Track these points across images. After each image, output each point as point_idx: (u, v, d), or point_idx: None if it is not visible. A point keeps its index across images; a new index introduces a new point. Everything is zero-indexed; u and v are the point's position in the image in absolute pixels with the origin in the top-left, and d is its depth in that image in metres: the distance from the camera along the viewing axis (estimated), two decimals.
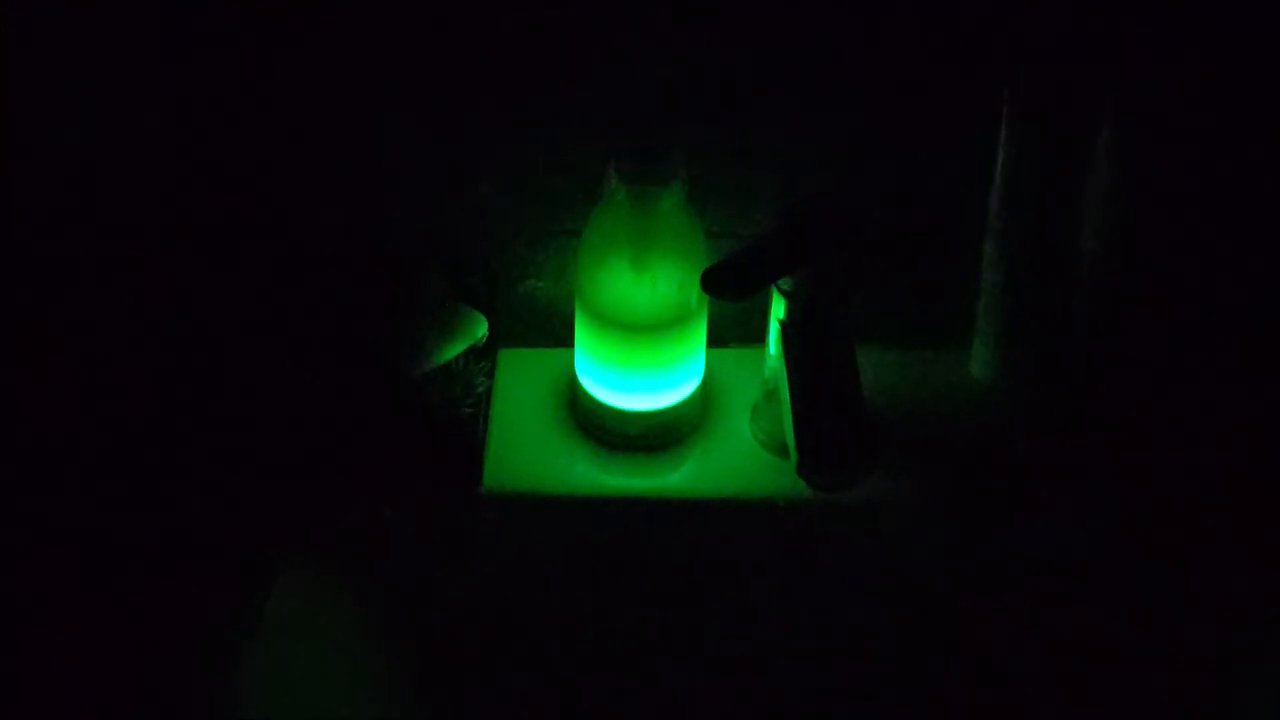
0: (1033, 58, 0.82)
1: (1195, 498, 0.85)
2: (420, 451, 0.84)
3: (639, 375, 0.86)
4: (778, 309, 0.81)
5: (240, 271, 0.88)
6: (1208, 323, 0.88)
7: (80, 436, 0.85)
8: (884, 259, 0.88)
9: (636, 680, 0.92)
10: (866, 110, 0.86)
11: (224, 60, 0.84)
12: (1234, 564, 0.85)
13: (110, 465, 0.84)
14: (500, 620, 0.90)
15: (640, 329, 0.84)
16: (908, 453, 0.87)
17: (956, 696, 0.91)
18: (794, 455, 0.75)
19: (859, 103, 0.86)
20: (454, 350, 0.87)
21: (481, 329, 0.88)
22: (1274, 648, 0.84)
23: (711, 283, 0.75)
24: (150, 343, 0.88)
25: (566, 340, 0.89)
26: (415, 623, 0.89)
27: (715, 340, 0.91)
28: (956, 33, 0.83)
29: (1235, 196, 0.86)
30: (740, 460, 0.88)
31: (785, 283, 0.80)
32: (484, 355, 0.88)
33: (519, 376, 0.92)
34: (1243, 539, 0.84)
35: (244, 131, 0.87)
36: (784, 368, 0.78)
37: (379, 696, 0.89)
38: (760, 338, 0.85)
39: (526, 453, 0.88)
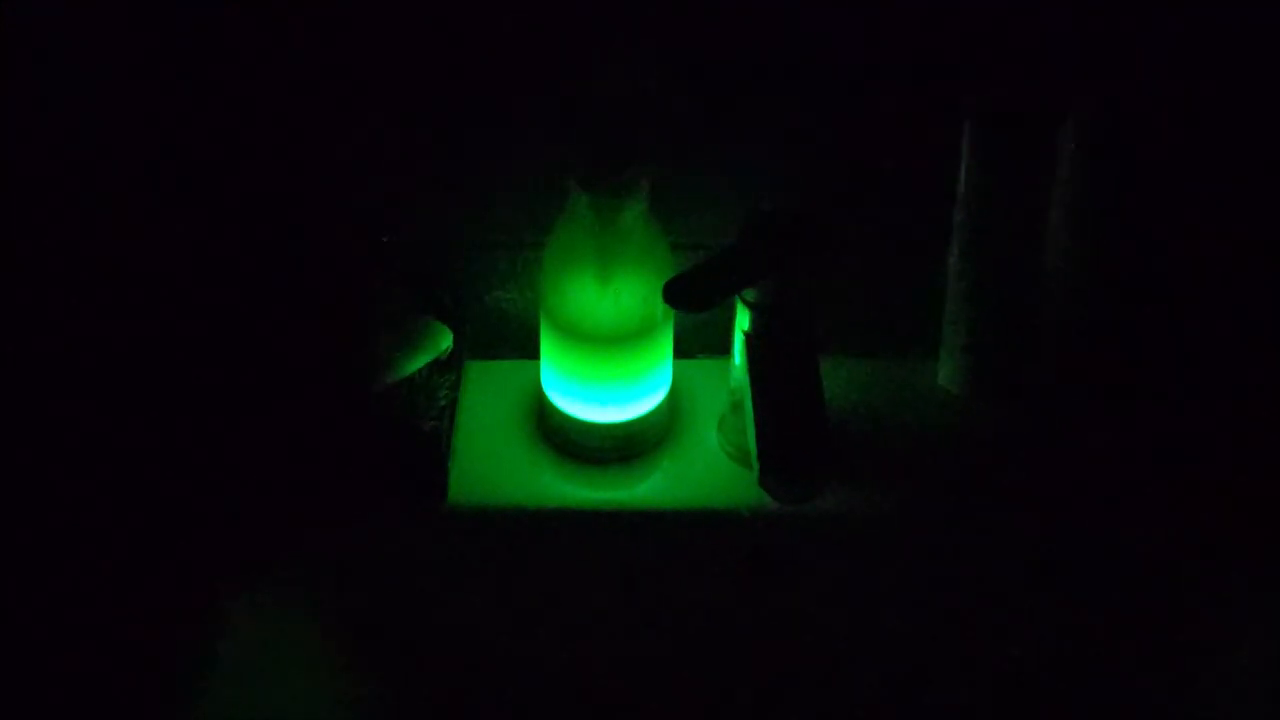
0: (995, 70, 0.82)
1: (1161, 505, 0.85)
2: (383, 466, 0.84)
3: (605, 387, 0.86)
4: (742, 320, 0.81)
5: (198, 285, 0.88)
6: (1172, 332, 0.89)
7: (39, 448, 0.85)
8: (848, 270, 0.87)
9: (605, 692, 0.92)
10: (831, 122, 0.86)
11: (186, 72, 0.85)
12: (1201, 570, 0.85)
13: (68, 483, 0.84)
14: (467, 635, 0.90)
15: (605, 341, 0.84)
16: (874, 463, 0.87)
17: (923, 704, 0.91)
18: (756, 466, 0.75)
19: (824, 114, 0.86)
20: (418, 363, 0.87)
21: (446, 341, 0.88)
22: (1242, 653, 0.84)
23: (673, 295, 0.75)
24: (107, 355, 0.88)
25: (534, 352, 0.89)
26: (381, 639, 0.89)
27: (683, 351, 0.91)
28: (920, 45, 0.83)
29: (1198, 206, 0.86)
30: (707, 472, 0.88)
31: (749, 294, 0.80)
32: (448, 368, 0.87)
33: (486, 389, 0.92)
34: (1209, 544, 0.85)
35: (199, 145, 0.87)
36: (748, 379, 0.78)
37: (345, 715, 0.88)
38: (727, 348, 0.85)
39: (493, 466, 0.88)
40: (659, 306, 0.83)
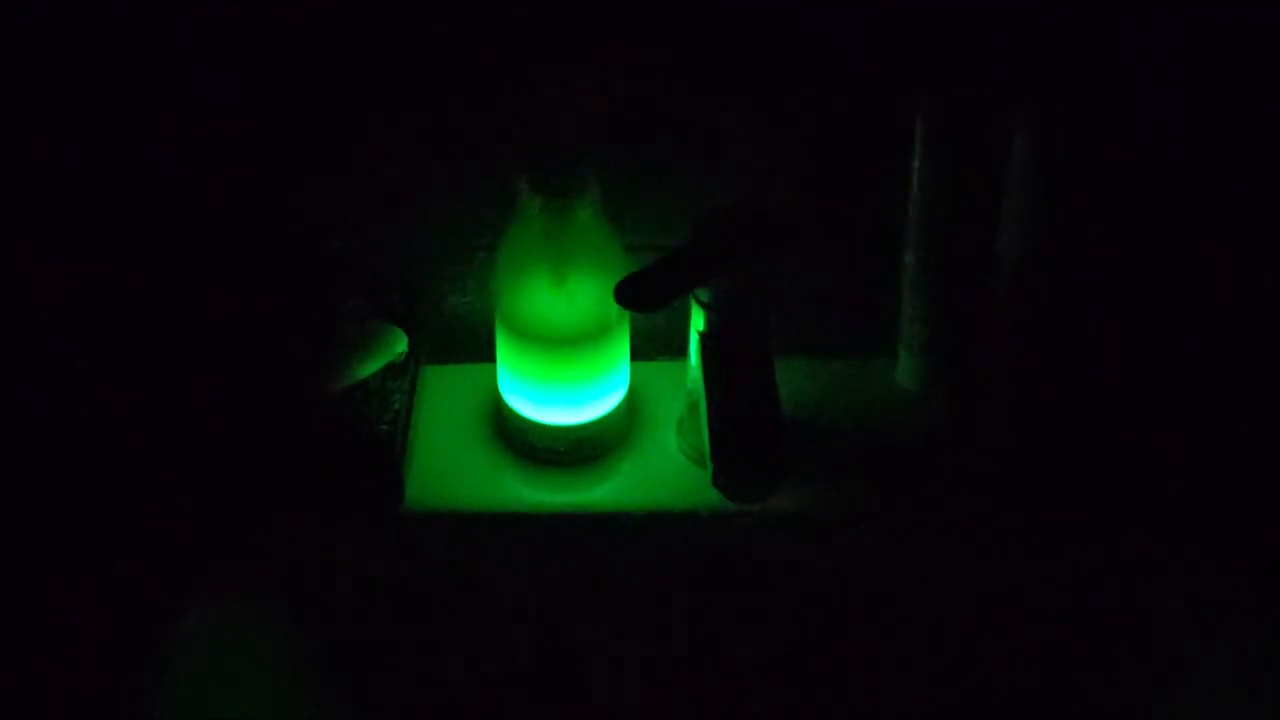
0: (945, 68, 0.82)
1: (1119, 498, 0.85)
2: (337, 471, 0.84)
3: (562, 389, 0.85)
4: (697, 320, 0.81)
5: (150, 292, 0.88)
6: (1127, 329, 0.89)
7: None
8: (802, 268, 0.88)
9: (567, 695, 0.92)
10: (785, 120, 0.86)
11: (142, 87, 0.85)
12: (1162, 563, 0.85)
13: (20, 490, 0.84)
14: (427, 640, 0.89)
15: (561, 342, 0.84)
16: (832, 462, 0.87)
17: (887, 702, 0.91)
18: (710, 466, 0.75)
19: (777, 114, 0.86)
20: (372, 367, 0.86)
21: (400, 345, 0.87)
22: (1195, 642, 0.84)
23: (624, 295, 0.75)
24: (59, 362, 0.88)
25: (491, 356, 0.89)
26: (339, 645, 0.89)
27: (641, 354, 0.91)
28: (871, 43, 0.83)
29: (1150, 204, 0.86)
30: (666, 473, 0.88)
31: (703, 294, 0.79)
32: (403, 372, 0.87)
33: (442, 393, 0.92)
34: (1169, 536, 0.85)
35: (158, 151, 0.87)
36: (703, 378, 0.78)
37: None
38: (685, 351, 0.85)
39: (450, 470, 0.87)
40: (614, 307, 0.82)
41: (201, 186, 0.88)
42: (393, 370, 0.87)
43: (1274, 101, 0.84)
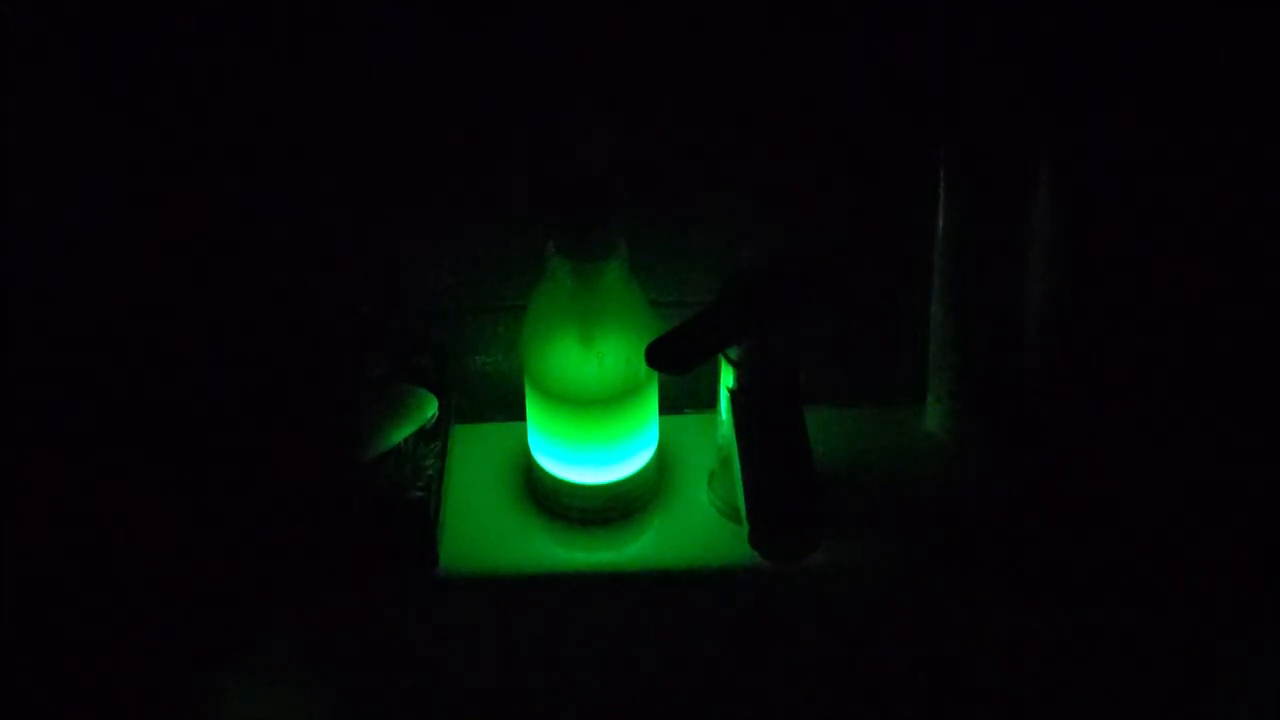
0: (967, 118, 0.83)
1: (1157, 546, 0.85)
2: (372, 538, 0.84)
3: (592, 449, 0.86)
4: (726, 376, 0.81)
5: (182, 360, 0.88)
6: (1158, 372, 0.89)
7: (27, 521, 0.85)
8: (832, 321, 0.88)
9: None
10: (807, 176, 0.87)
11: (172, 132, 0.85)
12: (1190, 612, 0.85)
13: (57, 554, 0.84)
14: (462, 702, 0.89)
15: (590, 403, 0.84)
16: (866, 514, 0.87)
17: None
18: (746, 525, 0.75)
19: (800, 169, 0.87)
20: (403, 432, 0.87)
21: (431, 409, 0.88)
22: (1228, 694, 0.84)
23: (655, 358, 0.75)
24: (97, 428, 0.88)
25: (520, 414, 0.90)
26: (377, 709, 0.89)
27: (670, 406, 0.91)
28: (893, 98, 0.84)
29: (1174, 247, 0.87)
30: (699, 529, 0.88)
31: (732, 351, 0.80)
32: (434, 435, 0.88)
33: (473, 453, 0.92)
34: (1200, 585, 0.85)
35: (186, 212, 0.87)
36: (734, 435, 0.78)
37: None
38: (714, 403, 0.85)
39: (483, 532, 0.88)
40: (642, 367, 0.82)
41: (232, 253, 0.89)
42: (424, 434, 0.87)
43: None
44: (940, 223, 0.85)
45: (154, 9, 0.81)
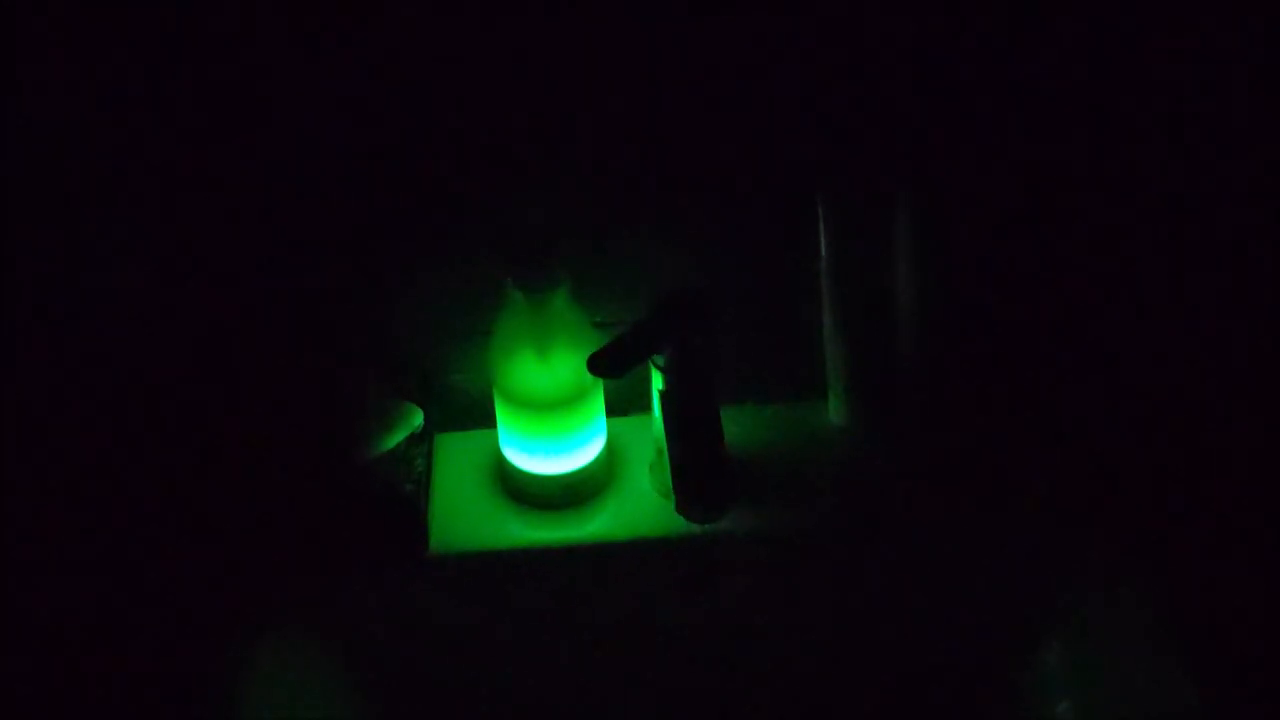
0: (840, 162, 0.90)
1: (1025, 510, 0.92)
2: (373, 526, 0.90)
3: (552, 444, 0.94)
4: (657, 381, 0.91)
5: (204, 374, 0.91)
6: (1010, 363, 0.96)
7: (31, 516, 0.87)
8: (740, 334, 0.95)
9: (572, 702, 0.98)
10: (716, 217, 0.94)
11: (175, 160, 0.87)
12: (1082, 575, 0.91)
13: (62, 545, 0.86)
14: (452, 667, 0.95)
15: (547, 406, 0.92)
16: (779, 489, 0.94)
17: (827, 705, 0.98)
18: (673, 497, 0.84)
19: (711, 212, 0.94)
20: (396, 438, 0.95)
21: (418, 419, 0.96)
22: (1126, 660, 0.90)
23: (594, 365, 0.85)
24: (106, 426, 0.90)
25: (492, 422, 0.96)
26: (376, 673, 0.95)
27: (617, 410, 0.99)
28: (781, 153, 0.91)
29: (1015, 255, 0.93)
30: (643, 510, 0.95)
31: (659, 360, 0.89)
32: (421, 440, 0.95)
33: (454, 454, 0.99)
34: (1084, 546, 0.91)
35: (186, 249, 0.89)
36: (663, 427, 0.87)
37: None
38: (651, 406, 0.93)
39: (464, 518, 0.94)
40: (588, 376, 0.88)
41: (231, 259, 0.90)
42: (413, 439, 0.95)
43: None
44: (822, 248, 0.92)
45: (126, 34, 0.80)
